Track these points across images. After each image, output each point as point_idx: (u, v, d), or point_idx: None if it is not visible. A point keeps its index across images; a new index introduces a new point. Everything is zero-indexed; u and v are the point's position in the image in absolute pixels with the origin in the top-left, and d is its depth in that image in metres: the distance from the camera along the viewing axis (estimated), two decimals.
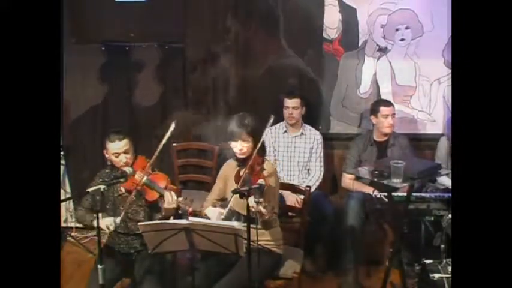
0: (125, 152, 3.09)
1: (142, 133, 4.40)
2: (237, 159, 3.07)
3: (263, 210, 2.73)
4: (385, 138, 3.97)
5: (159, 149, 2.98)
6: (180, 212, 3.01)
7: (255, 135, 3.00)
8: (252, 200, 2.73)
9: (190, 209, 2.96)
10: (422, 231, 3.55)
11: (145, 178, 3.03)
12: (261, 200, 2.73)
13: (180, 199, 2.99)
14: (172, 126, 2.96)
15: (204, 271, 2.99)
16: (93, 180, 3.20)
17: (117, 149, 3.08)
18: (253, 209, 2.73)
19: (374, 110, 3.95)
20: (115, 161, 3.11)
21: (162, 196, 3.02)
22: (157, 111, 4.44)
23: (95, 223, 2.90)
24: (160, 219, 3.02)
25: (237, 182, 2.90)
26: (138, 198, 3.13)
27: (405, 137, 4.02)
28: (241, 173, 2.89)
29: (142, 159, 3.16)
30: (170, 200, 2.96)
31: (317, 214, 3.81)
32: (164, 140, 2.97)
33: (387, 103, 3.97)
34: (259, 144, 2.94)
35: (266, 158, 3.14)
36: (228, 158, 3.26)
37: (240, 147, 2.98)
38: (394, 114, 3.95)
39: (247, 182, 2.82)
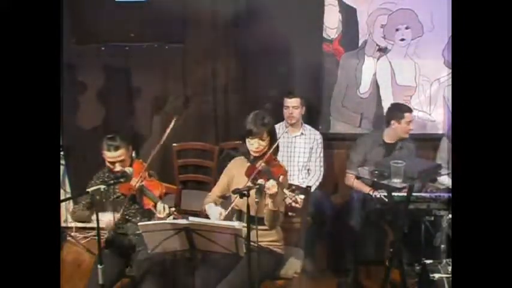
0: (120, 161, 3.10)
1: (142, 133, 4.42)
2: (248, 157, 3.07)
3: (288, 193, 2.78)
4: (395, 141, 3.97)
5: (158, 145, 3.01)
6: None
7: (273, 133, 3.02)
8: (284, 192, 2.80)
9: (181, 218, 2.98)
10: (422, 231, 3.55)
11: (138, 184, 3.03)
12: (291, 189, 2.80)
13: (173, 209, 3.00)
14: (173, 122, 2.99)
15: (204, 271, 2.99)
16: (91, 180, 3.20)
17: (112, 158, 3.09)
18: (293, 202, 2.80)
19: (398, 116, 3.90)
20: (111, 168, 3.13)
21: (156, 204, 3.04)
22: (158, 111, 4.45)
23: (93, 217, 2.94)
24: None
25: (248, 175, 2.90)
26: (134, 203, 3.13)
27: (411, 140, 4.02)
28: (258, 164, 2.89)
29: (138, 164, 3.16)
30: (162, 210, 2.96)
31: (317, 214, 3.81)
32: (164, 137, 3.00)
33: (410, 109, 3.95)
34: (275, 144, 2.98)
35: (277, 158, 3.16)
36: (230, 157, 3.26)
37: (256, 145, 2.98)
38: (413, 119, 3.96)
39: (268, 173, 2.84)
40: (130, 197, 3.05)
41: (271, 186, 2.80)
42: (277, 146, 3.07)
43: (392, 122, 3.93)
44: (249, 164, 3.03)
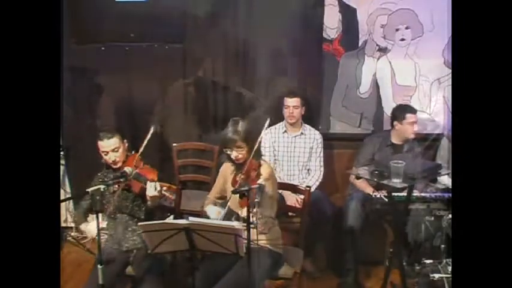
0: (114, 151, 3.11)
1: (142, 132, 4.42)
2: (234, 163, 3.07)
3: (255, 221, 2.72)
4: (402, 142, 3.97)
5: (145, 142, 3.06)
6: (164, 200, 3.05)
7: (250, 139, 2.98)
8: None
9: (173, 197, 3.01)
10: (422, 231, 3.55)
11: (134, 172, 3.04)
12: (255, 210, 2.71)
13: (164, 188, 3.01)
14: (152, 130, 3.06)
15: (204, 271, 2.99)
16: (92, 181, 3.21)
17: (106, 147, 3.11)
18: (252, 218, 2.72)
19: (399, 117, 3.91)
20: (105, 159, 3.14)
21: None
22: (157, 111, 4.45)
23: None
24: (146, 208, 3.08)
25: (234, 186, 2.91)
26: (128, 193, 3.14)
27: (416, 143, 4.00)
28: (237, 178, 2.89)
29: (133, 156, 3.17)
30: (153, 188, 2.97)
31: (317, 214, 3.81)
32: (145, 141, 3.06)
33: (413, 110, 3.94)
34: (253, 151, 2.92)
35: (263, 160, 3.13)
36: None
37: (235, 154, 2.99)
38: (417, 120, 3.93)
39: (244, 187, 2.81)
40: (124, 186, 3.07)
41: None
42: (259, 151, 3.03)
43: (395, 123, 3.95)
44: (234, 172, 3.03)
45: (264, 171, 3.01)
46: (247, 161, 2.93)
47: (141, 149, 3.08)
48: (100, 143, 3.12)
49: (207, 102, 4.41)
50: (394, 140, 3.99)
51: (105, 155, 3.13)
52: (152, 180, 3.02)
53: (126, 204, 3.20)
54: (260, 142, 2.99)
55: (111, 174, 3.16)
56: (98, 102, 4.47)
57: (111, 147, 3.11)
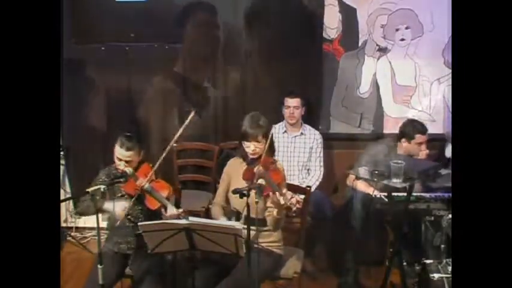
0: (127, 162, 3.09)
1: (141, 132, 4.42)
2: (245, 158, 3.06)
3: (294, 200, 2.78)
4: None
5: (171, 143, 3.04)
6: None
7: (268, 134, 3.00)
8: (282, 199, 2.78)
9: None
10: (422, 231, 3.55)
11: (147, 185, 3.02)
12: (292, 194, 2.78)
13: (180, 210, 3.01)
14: (192, 114, 3.01)
15: (204, 271, 2.99)
16: (96, 175, 3.21)
17: (121, 156, 3.08)
18: (291, 206, 2.80)
19: (408, 135, 3.71)
20: (116, 163, 3.13)
21: (163, 205, 3.04)
22: (157, 112, 4.45)
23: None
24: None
25: (246, 179, 2.89)
26: (138, 203, 3.13)
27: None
28: (255, 169, 2.87)
29: (146, 166, 3.14)
30: (172, 212, 2.99)
31: (317, 214, 3.81)
32: (180, 130, 3.03)
33: (423, 130, 3.71)
34: (276, 148, 3.04)
35: (276, 158, 3.15)
36: (230, 157, 3.26)
37: (253, 148, 2.98)
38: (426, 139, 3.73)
39: (266, 178, 2.82)
40: (137, 197, 3.05)
41: (277, 199, 2.79)
42: (273, 147, 3.06)
43: (403, 139, 3.76)
44: (246, 166, 3.03)
45: (280, 166, 3.06)
46: (263, 156, 2.93)
47: (156, 165, 3.05)
48: (117, 149, 3.08)
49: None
50: (400, 153, 3.88)
51: (118, 160, 3.10)
52: (168, 199, 3.03)
53: (136, 212, 3.18)
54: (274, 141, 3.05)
55: (113, 171, 3.16)
56: (98, 102, 4.47)
57: (126, 158, 3.07)
